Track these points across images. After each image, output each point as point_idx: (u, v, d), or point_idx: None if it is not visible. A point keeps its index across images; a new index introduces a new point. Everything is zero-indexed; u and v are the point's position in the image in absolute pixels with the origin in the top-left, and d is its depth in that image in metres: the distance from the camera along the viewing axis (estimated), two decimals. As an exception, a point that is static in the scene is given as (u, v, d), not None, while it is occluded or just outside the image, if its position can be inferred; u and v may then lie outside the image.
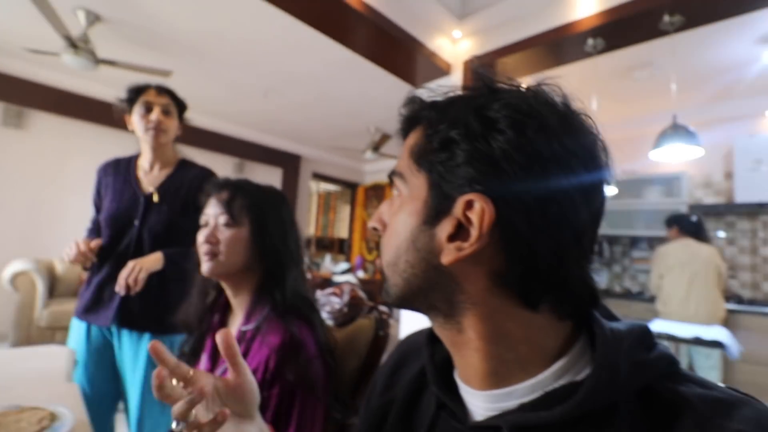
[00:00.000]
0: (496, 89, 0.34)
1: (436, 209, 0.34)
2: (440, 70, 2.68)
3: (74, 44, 2.52)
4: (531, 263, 0.31)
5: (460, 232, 0.32)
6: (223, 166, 4.81)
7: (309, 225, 6.86)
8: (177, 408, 0.42)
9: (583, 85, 2.83)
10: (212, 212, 0.82)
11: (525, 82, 0.35)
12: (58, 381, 0.91)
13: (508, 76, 0.37)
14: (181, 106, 1.42)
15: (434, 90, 0.39)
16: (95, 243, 1.16)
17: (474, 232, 0.31)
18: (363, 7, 2.16)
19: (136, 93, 1.32)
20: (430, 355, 0.41)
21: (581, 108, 0.34)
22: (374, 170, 6.34)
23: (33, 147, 3.47)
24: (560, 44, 2.22)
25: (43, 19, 2.37)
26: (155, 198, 1.29)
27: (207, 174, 1.37)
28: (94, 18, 2.54)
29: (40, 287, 2.69)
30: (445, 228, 0.33)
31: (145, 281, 1.15)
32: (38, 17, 2.39)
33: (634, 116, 3.70)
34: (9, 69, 3.30)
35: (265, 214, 0.82)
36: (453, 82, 2.72)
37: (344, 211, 7.20)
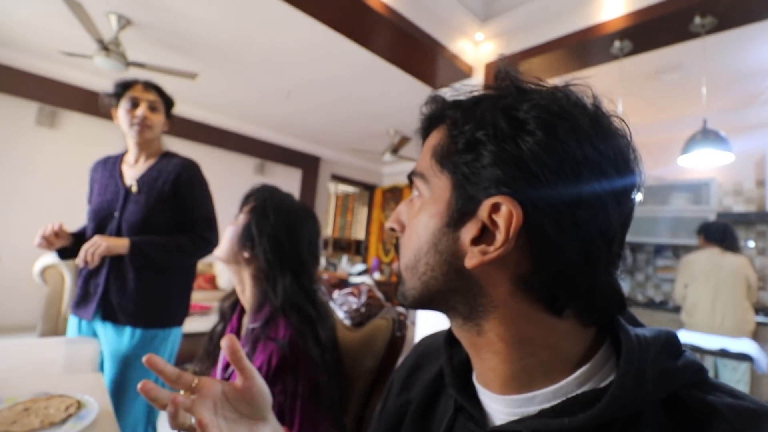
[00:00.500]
0: (525, 89, 0.34)
1: (459, 211, 0.33)
2: (461, 72, 2.66)
3: (106, 47, 2.62)
4: (558, 268, 0.30)
5: (484, 235, 0.32)
6: (245, 166, 4.91)
7: (326, 226, 6.90)
8: (172, 420, 0.42)
9: (609, 87, 2.75)
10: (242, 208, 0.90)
11: (551, 83, 0.35)
12: (85, 370, 0.95)
13: (535, 76, 0.36)
14: (168, 102, 1.41)
15: (458, 89, 0.38)
16: (58, 226, 1.19)
17: (500, 236, 0.30)
18: (385, 9, 2.17)
19: (123, 88, 1.32)
20: (449, 357, 0.41)
21: (612, 110, 0.33)
22: (392, 172, 6.35)
23: (65, 145, 3.61)
24: (586, 47, 2.18)
25: (77, 23, 2.48)
26: (134, 189, 1.30)
27: (186, 164, 1.36)
28: (125, 22, 2.64)
29: (68, 281, 2.79)
30: (469, 231, 0.32)
31: (114, 267, 1.21)
32: (72, 21, 2.50)
33: (661, 120, 3.59)
34: (44, 71, 3.45)
35: (262, 214, 0.85)
36: (474, 86, 2.70)
37: (362, 212, 7.23)
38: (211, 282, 4.14)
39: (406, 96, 3.48)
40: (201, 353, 0.92)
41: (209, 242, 1.34)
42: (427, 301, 0.36)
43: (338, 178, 6.12)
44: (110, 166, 1.38)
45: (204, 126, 4.39)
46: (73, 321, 1.26)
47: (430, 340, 0.51)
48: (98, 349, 1.12)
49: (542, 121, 0.30)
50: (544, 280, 0.31)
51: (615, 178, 0.31)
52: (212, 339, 0.93)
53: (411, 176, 0.39)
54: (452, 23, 2.53)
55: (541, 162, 0.29)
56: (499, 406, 0.34)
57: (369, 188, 6.60)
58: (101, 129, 3.73)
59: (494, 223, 0.31)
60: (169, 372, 0.45)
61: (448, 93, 0.38)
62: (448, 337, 0.42)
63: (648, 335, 0.31)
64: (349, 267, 5.81)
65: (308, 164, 5.50)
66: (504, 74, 0.35)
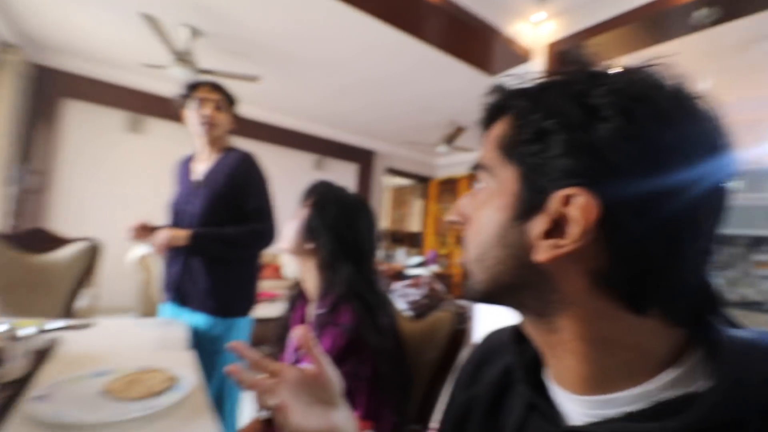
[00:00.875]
0: (596, 73, 0.32)
1: (528, 204, 0.32)
2: (519, 56, 2.55)
3: (180, 58, 2.87)
4: (640, 264, 0.29)
5: (556, 228, 0.31)
6: (304, 162, 5.13)
7: (382, 219, 6.99)
8: (259, 400, 0.47)
9: (693, 63, 2.48)
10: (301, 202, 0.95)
11: (621, 63, 0.32)
12: (178, 348, 1.07)
13: (605, 56, 0.34)
14: (232, 102, 1.47)
15: (522, 77, 0.37)
16: (143, 222, 1.30)
17: (573, 229, 0.29)
18: (438, -3, 2.13)
19: (190, 89, 1.40)
20: (518, 353, 0.40)
21: (697, 89, 0.31)
22: (447, 164, 6.26)
23: (150, 148, 4.04)
24: (661, 18, 1.98)
25: (154, 37, 2.74)
26: (199, 184, 1.40)
27: (243, 157, 1.40)
28: (196, 33, 2.86)
29: (157, 269, 3.13)
30: (538, 224, 0.31)
31: (184, 258, 1.31)
32: (150, 35, 2.77)
33: (756, 96, 3.15)
34: (129, 82, 3.86)
35: (323, 206, 0.90)
36: (533, 69, 2.58)
37: (416, 205, 7.22)
38: (277, 271, 4.40)
39: (460, 85, 3.40)
40: (272, 338, 1.00)
41: (261, 234, 1.36)
42: (495, 295, 0.36)
43: (393, 171, 6.16)
44: (186, 164, 1.50)
45: (265, 125, 4.64)
46: (162, 306, 1.42)
47: (497, 335, 0.51)
48: (188, 329, 1.26)
49: (618, 106, 0.28)
50: (624, 276, 0.29)
51: (702, 165, 0.28)
52: (282, 325, 1.00)
53: (475, 168, 0.39)
54: (507, 5, 2.42)
55: (618, 150, 0.28)
56: (575, 406, 0.33)
57: (423, 180, 6.57)
58: (180, 132, 4.10)
59: (566, 216, 0.30)
60: (251, 356, 0.51)
61: (511, 82, 0.37)
62: (516, 332, 0.41)
63: (749, 338, 0.29)
64: (405, 259, 5.86)
65: (363, 158, 5.61)
66: (572, 57, 0.34)
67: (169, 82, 3.90)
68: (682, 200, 0.28)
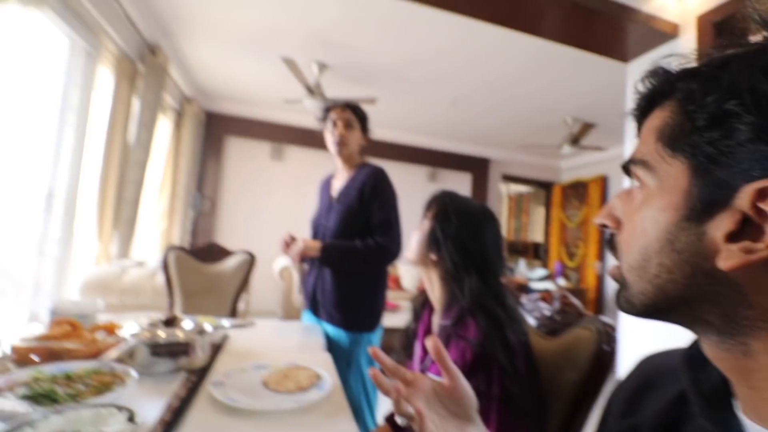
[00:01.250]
0: None
1: (705, 202, 0.27)
2: (663, 35, 2.19)
3: (311, 90, 3.25)
4: None
5: (746, 229, 0.26)
6: (418, 175, 5.25)
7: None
8: (397, 406, 0.49)
9: None
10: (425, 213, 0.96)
11: None
12: (317, 349, 1.18)
13: None
14: (363, 119, 1.52)
15: (686, 56, 0.32)
16: (289, 235, 1.41)
17: None
18: (557, -11, 1.98)
19: (326, 112, 1.50)
20: (694, 382, 0.34)
21: None
22: (573, 166, 5.67)
23: (289, 173, 4.68)
24: None
25: (290, 76, 3.16)
26: (335, 200, 1.48)
27: (372, 171, 1.44)
28: (323, 67, 3.22)
29: (296, 278, 3.55)
30: (721, 224, 0.27)
31: (311, 266, 1.39)
32: (287, 75, 3.21)
33: None
34: (272, 117, 4.54)
35: (445, 218, 0.89)
36: (682, 47, 2.18)
37: (538, 213, 6.70)
38: (396, 282, 4.56)
39: (583, 78, 3.07)
40: (398, 347, 1.03)
41: (383, 249, 1.37)
42: (663, 308, 0.31)
43: (510, 178, 5.85)
44: (327, 181, 1.63)
45: (382, 143, 4.91)
46: (306, 310, 1.56)
47: (659, 360, 0.44)
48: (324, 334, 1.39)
49: None
50: None
51: None
52: (407, 334, 1.02)
53: (628, 165, 0.34)
54: (646, -21, 2.10)
55: None
56: None
57: (545, 186, 6.07)
58: (315, 157, 4.67)
59: (762, 213, 0.25)
60: (389, 364, 0.53)
61: (673, 62, 0.32)
62: (690, 356, 0.35)
63: None
64: (527, 272, 5.47)
65: (477, 167, 5.47)
66: (758, 22, 0.28)
67: (302, 114, 4.46)
68: None
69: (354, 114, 1.50)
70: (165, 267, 1.93)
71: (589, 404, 0.71)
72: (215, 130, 4.42)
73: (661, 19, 2.17)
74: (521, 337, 0.78)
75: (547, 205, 6.07)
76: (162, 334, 0.93)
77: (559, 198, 5.77)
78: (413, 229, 0.96)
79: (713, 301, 0.28)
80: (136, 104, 2.62)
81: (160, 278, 2.26)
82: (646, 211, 0.32)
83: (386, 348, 1.58)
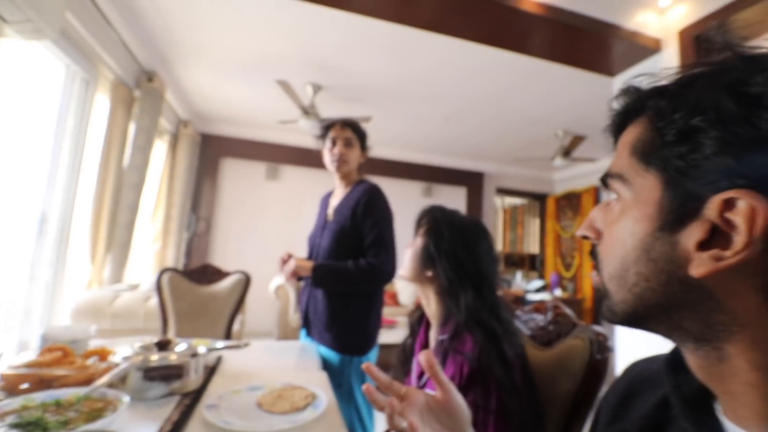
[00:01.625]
0: (755, 57, 0.28)
1: (676, 212, 0.29)
2: (646, 49, 2.26)
3: (306, 111, 3.30)
4: None
5: (715, 237, 0.27)
6: (412, 190, 5.29)
7: (496, 241, 6.71)
8: (390, 421, 0.50)
9: None
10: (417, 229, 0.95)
11: None
12: (312, 369, 1.17)
13: (755, 37, 0.29)
14: (362, 137, 1.51)
15: (656, 74, 0.34)
16: (287, 254, 1.37)
17: (739, 238, 0.25)
18: (539, 8, 2.05)
19: (325, 130, 1.49)
20: (675, 386, 0.35)
21: None
22: (565, 178, 5.74)
23: (285, 192, 4.69)
24: None
25: (286, 97, 3.22)
26: (330, 218, 1.46)
27: (366, 189, 1.42)
28: (317, 88, 3.28)
29: (291, 297, 3.52)
30: (692, 234, 0.28)
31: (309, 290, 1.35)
32: (282, 96, 3.26)
33: None
34: (267, 137, 4.59)
35: (438, 234, 0.89)
36: (665, 61, 2.25)
37: (533, 225, 6.73)
38: (393, 298, 4.53)
39: (573, 92, 3.15)
40: (395, 363, 1.02)
41: (375, 270, 1.32)
42: (642, 316, 0.32)
43: (504, 191, 5.90)
44: (326, 199, 1.60)
45: (377, 160, 4.96)
46: (303, 329, 1.53)
47: (644, 365, 0.45)
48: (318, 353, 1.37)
49: None
50: None
51: None
52: (404, 350, 1.02)
53: (606, 179, 0.36)
54: (626, -3, 2.19)
55: None
56: None
57: (539, 198, 6.12)
58: (311, 175, 4.71)
59: (729, 223, 0.26)
60: (383, 379, 0.54)
61: (643, 80, 0.34)
62: (671, 362, 0.36)
63: None
64: (524, 283, 5.46)
65: (472, 181, 5.52)
66: (721, 44, 0.30)
67: (297, 134, 4.50)
68: None
69: (353, 132, 1.49)
70: (158, 290, 1.92)
71: (584, 413, 0.71)
72: (211, 151, 4.45)
73: (643, 35, 2.24)
74: (518, 350, 0.78)
75: (542, 217, 6.11)
76: (154, 357, 0.92)
77: (554, 209, 5.81)
78: (408, 245, 0.97)
79: (689, 307, 0.29)
80: (131, 129, 2.65)
81: (154, 301, 2.24)
82: (623, 222, 0.33)
83: (383, 365, 1.56)
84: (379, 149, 4.93)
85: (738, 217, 0.25)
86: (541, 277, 5.85)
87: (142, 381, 0.87)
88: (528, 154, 4.89)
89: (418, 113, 3.86)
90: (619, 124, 0.36)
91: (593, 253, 0.37)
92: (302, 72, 3.06)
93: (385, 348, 1.70)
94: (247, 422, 0.78)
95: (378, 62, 2.87)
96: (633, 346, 2.22)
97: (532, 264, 6.41)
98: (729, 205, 0.26)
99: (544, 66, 2.61)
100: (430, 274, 0.89)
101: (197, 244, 4.34)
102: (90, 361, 0.93)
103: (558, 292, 5.07)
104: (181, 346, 0.99)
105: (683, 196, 0.28)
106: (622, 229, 0.32)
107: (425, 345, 0.96)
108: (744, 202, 0.25)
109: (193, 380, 0.94)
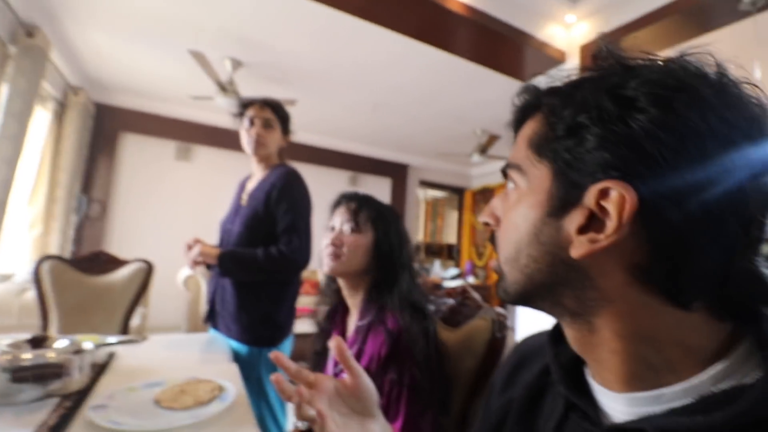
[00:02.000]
0: (631, 66, 0.31)
1: (562, 200, 0.32)
2: (552, 60, 2.50)
3: (224, 88, 3.06)
4: (681, 256, 0.27)
5: (592, 223, 0.30)
6: (338, 179, 5.24)
7: (417, 232, 6.97)
8: (298, 411, 0.49)
9: (740, 52, 2.31)
10: (339, 219, 0.91)
11: (662, 56, 0.32)
12: (221, 361, 1.11)
13: (644, 51, 0.33)
14: (283, 119, 1.42)
15: (553, 76, 0.37)
16: (194, 240, 1.26)
17: (611, 223, 0.28)
18: (464, 9, 2.15)
19: (243, 108, 1.38)
20: (555, 355, 0.39)
21: (743, 77, 0.29)
22: (481, 174, 6.16)
23: (196, 175, 4.29)
24: (706, 7, 1.87)
25: (200, 71, 2.94)
26: (243, 203, 1.37)
27: (282, 173, 1.34)
28: (237, 64, 3.05)
29: (203, 287, 3.28)
30: (574, 219, 0.31)
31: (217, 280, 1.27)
32: (196, 69, 2.98)
33: (824, 80, 2.88)
34: (178, 114, 4.16)
35: (387, 226, 0.90)
36: (568, 71, 2.51)
37: (452, 216, 7.14)
38: (316, 287, 4.47)
39: (491, 94, 3.37)
40: (312, 352, 1.01)
41: (286, 259, 1.25)
42: (531, 295, 0.35)
43: (427, 184, 6.15)
44: (242, 183, 1.48)
45: (300, 146, 4.81)
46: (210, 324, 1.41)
47: (532, 340, 0.50)
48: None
49: (655, 96, 0.28)
50: (665, 270, 0.28)
51: (748, 151, 0.27)
52: (321, 338, 1.01)
53: (505, 169, 0.38)
54: (537, 9, 2.39)
55: (656, 140, 0.27)
56: (619, 405, 0.32)
57: (458, 191, 6.50)
58: (229, 158, 4.37)
59: (603, 210, 0.29)
60: (291, 368, 0.53)
61: (542, 81, 0.37)
62: (553, 334, 0.41)
63: None
64: (442, 272, 5.77)
65: (397, 172, 5.64)
66: (605, 53, 0.33)
67: (214, 112, 4.16)
68: (724, 188, 0.27)
69: (274, 113, 1.39)
70: (37, 280, 1.65)
71: (484, 387, 0.77)
72: (108, 124, 3.89)
73: (551, 46, 2.48)
74: (434, 328, 0.83)
75: (460, 209, 6.50)
76: (27, 356, 0.79)
77: (470, 202, 6.23)
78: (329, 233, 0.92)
79: (568, 285, 0.32)
80: (4, 91, 2.21)
81: (31, 294, 1.93)
82: (518, 209, 0.35)
83: (301, 354, 1.52)
84: (304, 135, 4.79)
85: (610, 204, 0.28)
86: (457, 265, 6.24)
87: (10, 383, 0.74)
88: (449, 149, 5.14)
89: (346, 100, 3.82)
90: (520, 119, 0.39)
91: (492, 239, 0.40)
92: (221, 45, 2.82)
93: (302, 337, 1.67)
94: (142, 421, 0.71)
95: (305, 43, 2.76)
96: (530, 325, 2.49)
97: (450, 253, 6.81)
98: (604, 194, 0.29)
99: (467, 66, 2.74)
100: (373, 263, 0.88)
101: (89, 230, 3.80)
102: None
103: (471, 279, 5.46)
104: (60, 343, 0.87)
105: (568, 185, 0.31)
106: (518, 215, 0.35)
107: (343, 333, 0.96)
108: (615, 191, 0.28)
109: (76, 380, 0.83)
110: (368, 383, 0.54)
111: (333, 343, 0.52)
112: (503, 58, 2.57)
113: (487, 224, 0.40)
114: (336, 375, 0.79)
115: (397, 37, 2.38)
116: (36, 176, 2.93)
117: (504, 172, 0.39)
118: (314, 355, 0.99)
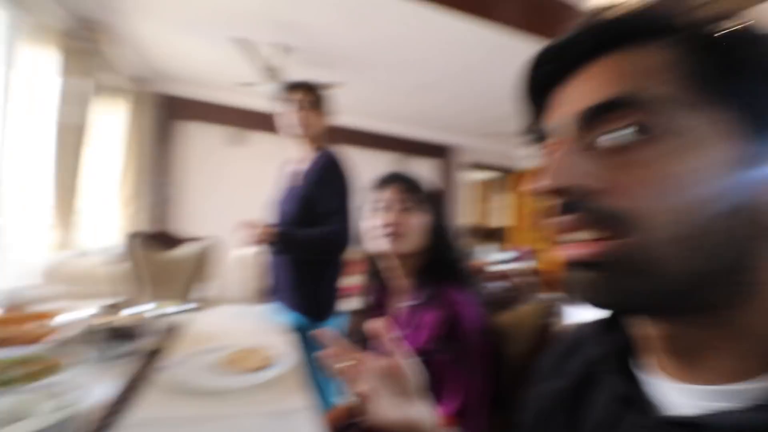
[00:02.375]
0: None
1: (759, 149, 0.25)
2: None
3: (270, 74, 3.14)
4: None
5: None
6: (384, 162, 5.24)
7: (465, 214, 6.83)
8: (351, 385, 0.51)
9: None
10: (391, 198, 0.89)
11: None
12: (277, 331, 1.18)
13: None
14: (324, 101, 1.44)
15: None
16: (251, 220, 1.33)
17: None
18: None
19: (285, 93, 1.42)
20: (610, 342, 0.38)
21: None
22: (531, 154, 5.85)
23: (250, 158, 4.52)
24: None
25: (248, 58, 3.04)
26: (294, 183, 1.43)
27: (325, 157, 1.39)
28: (283, 50, 3.11)
29: (261, 264, 3.49)
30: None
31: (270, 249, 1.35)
32: (244, 57, 3.07)
33: None
34: (228, 101, 4.35)
35: (439, 207, 0.91)
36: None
37: (500, 199, 6.90)
38: (363, 266, 4.57)
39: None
40: (354, 331, 1.04)
41: (326, 240, 1.31)
42: (701, 284, 0.26)
43: (476, 165, 5.97)
44: (288, 164, 1.56)
45: (347, 130, 4.84)
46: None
47: (580, 329, 0.47)
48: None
49: None
50: None
51: None
52: (366, 317, 1.03)
53: (605, 109, 0.29)
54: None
55: None
56: (684, 397, 0.29)
57: (510, 172, 6.25)
58: (278, 142, 4.52)
59: None
60: (337, 344, 0.54)
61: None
62: (608, 322, 0.39)
63: None
64: (492, 255, 5.64)
65: (443, 154, 5.54)
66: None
67: (263, 98, 4.31)
68: None
69: (315, 95, 1.43)
70: (128, 252, 1.86)
71: (529, 373, 0.76)
72: (170, 113, 4.19)
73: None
74: (486, 311, 0.82)
75: (509, 191, 6.26)
76: (110, 319, 0.90)
77: (520, 184, 5.95)
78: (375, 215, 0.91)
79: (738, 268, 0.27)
80: (72, 84, 2.41)
81: (115, 267, 2.16)
82: (678, 166, 0.26)
83: (350, 332, 1.57)
84: (351, 119, 4.81)
85: None
86: (508, 248, 6.04)
87: (97, 341, 0.85)
88: (499, 128, 4.93)
89: (393, 83, 3.77)
90: (602, 45, 0.31)
91: (587, 208, 0.28)
92: (267, 30, 2.86)
93: (355, 314, 1.71)
94: (205, 381, 0.78)
95: (350, 26, 2.74)
96: (578, 313, 2.37)
97: (500, 236, 6.61)
98: None
99: (515, 40, 2.59)
100: (429, 245, 0.88)
101: (159, 210, 4.16)
102: (38, 323, 0.90)
103: (524, 263, 5.26)
104: (139, 308, 0.97)
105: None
106: (681, 173, 0.25)
107: (382, 314, 0.97)
108: None
109: (150, 342, 0.94)
110: (411, 365, 0.53)
111: (375, 325, 0.53)
112: (554, 26, 2.39)
113: (559, 193, 0.29)
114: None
115: (442, 16, 2.28)
116: (123, 163, 3.26)
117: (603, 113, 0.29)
118: (357, 335, 1.02)
